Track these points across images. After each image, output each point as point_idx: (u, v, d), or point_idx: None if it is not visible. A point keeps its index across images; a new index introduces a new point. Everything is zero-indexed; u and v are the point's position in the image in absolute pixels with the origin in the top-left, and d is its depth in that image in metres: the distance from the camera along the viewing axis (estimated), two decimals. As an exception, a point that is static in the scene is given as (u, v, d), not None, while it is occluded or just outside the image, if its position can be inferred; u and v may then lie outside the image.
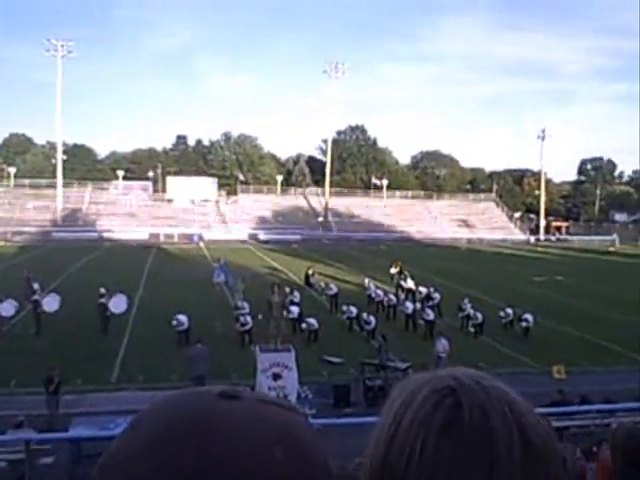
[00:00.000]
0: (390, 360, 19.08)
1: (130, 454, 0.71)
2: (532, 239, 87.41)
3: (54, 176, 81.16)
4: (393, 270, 35.96)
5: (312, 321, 23.05)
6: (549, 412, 11.69)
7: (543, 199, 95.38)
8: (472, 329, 24.71)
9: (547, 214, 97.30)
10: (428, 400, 0.80)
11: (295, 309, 24.52)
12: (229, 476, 0.69)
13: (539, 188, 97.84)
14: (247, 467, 0.70)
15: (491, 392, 0.80)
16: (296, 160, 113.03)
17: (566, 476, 0.84)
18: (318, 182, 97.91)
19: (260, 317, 22.48)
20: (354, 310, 24.70)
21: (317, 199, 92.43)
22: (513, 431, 0.76)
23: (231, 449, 0.71)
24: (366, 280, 31.94)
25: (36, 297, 24.26)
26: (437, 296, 28.02)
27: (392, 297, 28.56)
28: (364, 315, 23.76)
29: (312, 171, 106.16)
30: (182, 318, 22.17)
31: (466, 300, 26.21)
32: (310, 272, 35.65)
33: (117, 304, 24.38)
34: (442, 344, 19.00)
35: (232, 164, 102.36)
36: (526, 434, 0.77)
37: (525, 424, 0.78)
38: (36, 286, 24.94)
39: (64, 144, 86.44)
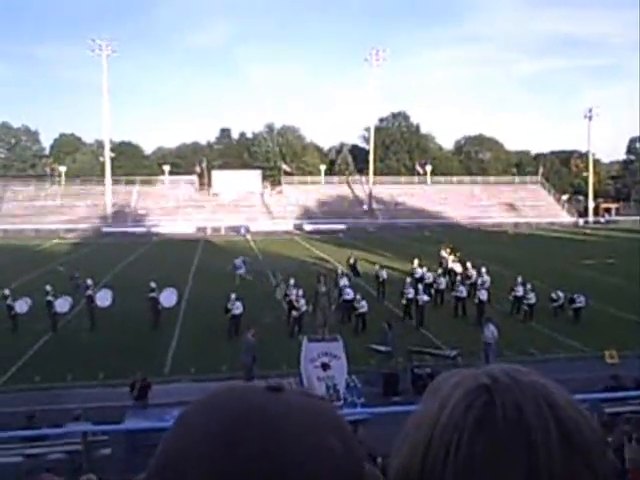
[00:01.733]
0: (394, 347, 18.83)
1: (188, 450, 0.72)
2: (581, 222, 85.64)
3: (103, 174, 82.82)
4: (444, 253, 35.10)
5: (363, 303, 23.63)
6: (603, 397, 11.59)
7: (591, 180, 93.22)
8: (526, 308, 24.47)
9: (596, 195, 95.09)
10: (461, 401, 0.79)
11: (350, 291, 25.06)
12: (294, 463, 0.71)
13: (587, 169, 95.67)
14: (310, 455, 0.72)
15: (527, 387, 0.79)
16: (339, 149, 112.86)
17: (613, 470, 0.80)
18: (362, 170, 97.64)
19: (308, 307, 22.66)
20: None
21: (361, 187, 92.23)
22: (550, 426, 0.75)
23: (291, 438, 0.73)
24: (415, 262, 31.67)
25: (89, 293, 24.88)
26: (487, 279, 27.83)
27: (442, 280, 28.59)
28: (358, 298, 24.19)
29: (355, 160, 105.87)
30: (238, 303, 22.86)
31: (519, 279, 25.87)
32: (352, 261, 35.64)
33: (167, 298, 24.85)
34: (490, 330, 18.86)
35: (275, 155, 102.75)
36: (565, 428, 0.76)
37: (564, 418, 0.76)
38: (89, 282, 25.55)
39: (111, 142, 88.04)
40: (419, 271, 30.03)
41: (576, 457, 0.75)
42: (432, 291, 27.77)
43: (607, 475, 0.77)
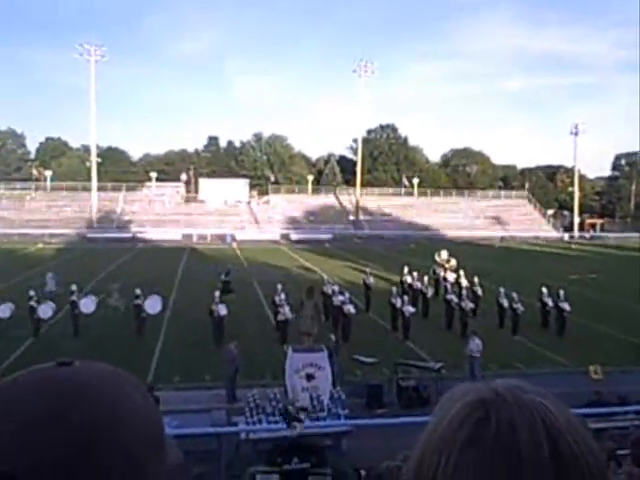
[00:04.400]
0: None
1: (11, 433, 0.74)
2: (566, 236, 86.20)
3: (89, 179, 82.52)
4: (439, 259, 34.65)
5: (350, 307, 23.70)
6: (586, 413, 11.58)
7: (577, 196, 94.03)
8: (511, 320, 24.59)
9: (581, 211, 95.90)
10: (459, 413, 0.79)
11: (340, 297, 25.01)
12: (91, 413, 0.76)
13: (572, 184, 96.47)
14: (108, 404, 0.78)
15: (526, 406, 0.78)
16: (327, 160, 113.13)
17: None
18: (349, 181, 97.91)
19: (294, 316, 22.57)
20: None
21: (348, 198, 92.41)
22: (543, 447, 0.74)
23: (84, 393, 0.78)
24: (405, 269, 31.55)
25: (73, 298, 24.65)
26: (478, 289, 27.90)
27: (430, 290, 28.72)
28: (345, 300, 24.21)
29: (343, 170, 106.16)
30: (222, 305, 22.97)
31: (502, 290, 25.91)
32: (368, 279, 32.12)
33: (152, 305, 24.67)
34: (476, 343, 18.84)
35: (263, 164, 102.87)
36: (559, 451, 0.74)
37: (559, 440, 0.75)
38: (73, 288, 25.32)
39: (98, 147, 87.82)
40: (408, 279, 30.06)
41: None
42: (420, 299, 27.86)
43: None
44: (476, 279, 28.72)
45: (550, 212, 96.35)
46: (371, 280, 30.15)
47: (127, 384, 0.84)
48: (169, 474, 0.82)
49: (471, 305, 25.14)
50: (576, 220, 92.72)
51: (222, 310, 22.87)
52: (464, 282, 29.33)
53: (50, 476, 0.71)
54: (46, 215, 78.87)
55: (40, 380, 0.80)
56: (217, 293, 23.72)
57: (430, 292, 28.57)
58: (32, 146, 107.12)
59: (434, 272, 33.40)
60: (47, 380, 0.80)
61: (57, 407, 0.75)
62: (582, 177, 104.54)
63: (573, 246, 73.25)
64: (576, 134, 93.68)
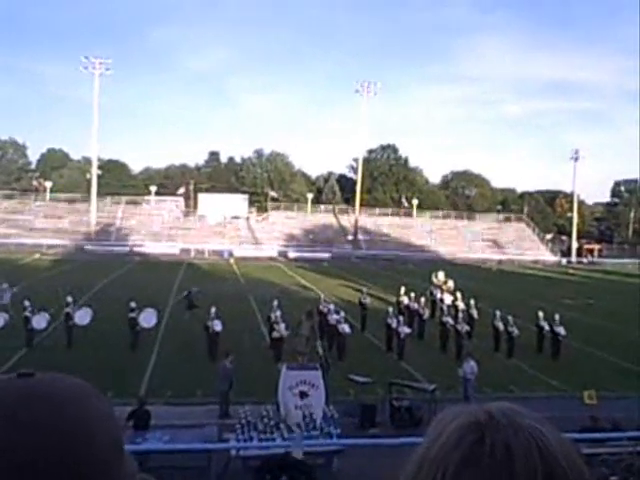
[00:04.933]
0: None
1: None
2: (564, 261, 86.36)
3: (89, 191, 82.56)
4: (436, 280, 34.63)
5: (344, 326, 23.69)
6: (580, 438, 11.51)
7: (575, 221, 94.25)
8: (507, 343, 24.52)
9: (579, 236, 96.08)
10: (453, 435, 0.79)
11: (335, 316, 24.96)
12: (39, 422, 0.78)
13: (571, 210, 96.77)
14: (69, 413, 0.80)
15: (521, 430, 0.77)
16: (327, 178, 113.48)
17: None
18: (348, 200, 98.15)
19: (291, 334, 22.48)
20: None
21: (347, 217, 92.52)
22: (537, 471, 0.74)
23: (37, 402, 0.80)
24: (402, 290, 31.45)
25: (68, 310, 24.57)
26: (474, 312, 27.86)
27: (426, 311, 28.63)
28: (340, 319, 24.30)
29: (342, 189, 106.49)
30: (217, 321, 23.02)
31: (498, 313, 25.85)
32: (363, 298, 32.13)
33: (147, 318, 24.57)
34: (470, 366, 18.77)
35: (263, 181, 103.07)
36: (553, 476, 0.74)
37: (553, 465, 0.75)
38: (69, 299, 25.25)
39: (99, 159, 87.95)
40: (405, 300, 30.02)
41: None
42: (416, 320, 27.79)
43: None
44: (472, 301, 28.68)
45: (548, 236, 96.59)
46: (367, 300, 30.16)
47: (89, 394, 0.87)
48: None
49: (467, 327, 25.09)
50: (574, 245, 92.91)
51: (217, 326, 22.85)
52: (460, 304, 29.30)
53: None
54: (44, 226, 78.84)
55: (1, 390, 0.82)
56: (213, 309, 23.65)
57: (426, 313, 28.51)
58: (33, 157, 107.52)
59: (431, 293, 33.40)
60: (9, 390, 0.82)
61: (21, 416, 0.77)
62: (581, 202, 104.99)
63: (570, 271, 73.29)
64: (576, 159, 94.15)
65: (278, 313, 24.09)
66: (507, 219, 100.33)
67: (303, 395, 15.21)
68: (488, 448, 0.76)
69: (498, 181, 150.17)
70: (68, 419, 0.80)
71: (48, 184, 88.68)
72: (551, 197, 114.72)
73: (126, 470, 0.86)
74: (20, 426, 0.76)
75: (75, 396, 0.84)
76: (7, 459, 0.74)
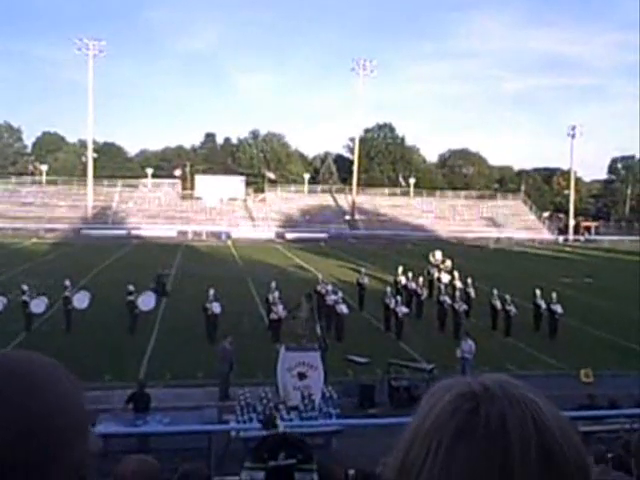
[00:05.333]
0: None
1: None
2: (561, 239, 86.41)
3: (85, 174, 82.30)
4: (433, 259, 34.79)
5: (342, 307, 23.69)
6: (577, 416, 11.60)
7: (572, 198, 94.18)
8: (504, 321, 24.65)
9: (576, 214, 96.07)
10: (448, 405, 0.80)
11: (333, 297, 24.97)
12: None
13: (568, 187, 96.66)
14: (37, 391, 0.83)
15: (516, 401, 0.78)
16: (323, 158, 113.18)
17: None
18: (345, 180, 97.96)
19: (288, 316, 22.51)
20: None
21: (344, 197, 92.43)
22: (531, 442, 0.75)
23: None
24: (400, 269, 31.49)
25: (67, 294, 24.60)
26: (471, 291, 28.02)
27: (424, 291, 28.74)
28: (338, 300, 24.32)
29: (339, 169, 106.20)
30: (215, 304, 23.04)
31: (495, 292, 25.94)
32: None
33: (145, 301, 24.62)
34: (468, 345, 18.88)
35: (260, 162, 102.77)
36: (546, 448, 0.75)
37: (548, 437, 0.76)
38: (67, 283, 25.27)
39: (95, 142, 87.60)
40: (403, 279, 30.09)
41: (553, 477, 0.75)
42: (414, 299, 27.91)
43: None
44: (469, 280, 28.75)
45: (545, 214, 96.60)
46: (365, 280, 30.15)
47: (57, 372, 0.89)
48: (91, 457, 0.90)
49: (464, 307, 25.16)
50: (571, 223, 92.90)
51: (216, 308, 22.88)
52: (458, 284, 29.33)
53: None
54: (41, 210, 78.66)
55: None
56: (212, 291, 23.68)
57: (424, 293, 28.59)
58: (29, 140, 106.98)
59: (428, 273, 33.44)
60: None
61: None
62: (578, 180, 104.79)
63: (568, 249, 73.41)
64: (573, 136, 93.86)
65: (276, 294, 24.14)
66: (504, 197, 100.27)
67: (302, 376, 15.28)
68: (483, 419, 0.76)
69: (495, 159, 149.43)
70: (35, 395, 0.82)
71: (44, 168, 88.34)
72: (548, 175, 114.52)
73: (89, 448, 0.90)
74: None
75: (39, 373, 0.86)
76: None
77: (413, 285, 28.99)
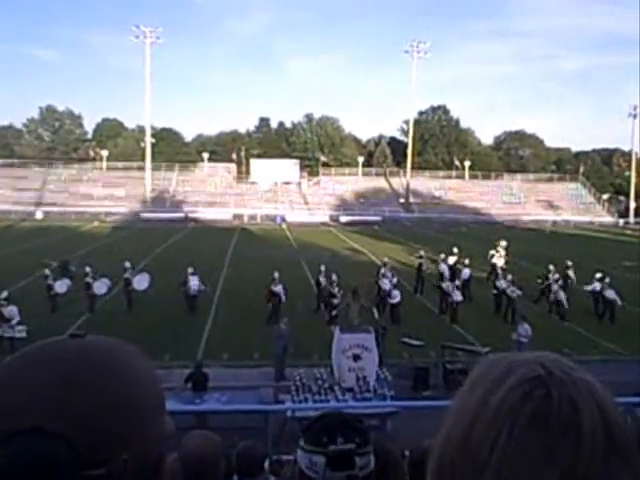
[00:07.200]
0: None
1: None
2: (621, 222, 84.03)
3: (143, 159, 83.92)
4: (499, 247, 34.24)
5: (396, 293, 23.63)
6: (637, 402, 11.43)
7: (633, 180, 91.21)
8: (560, 304, 24.34)
9: (637, 196, 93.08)
10: (518, 388, 0.79)
11: (386, 281, 24.98)
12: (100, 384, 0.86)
13: (629, 168, 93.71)
14: (114, 374, 0.89)
15: (580, 385, 0.79)
16: (377, 141, 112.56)
17: None
18: (399, 163, 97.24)
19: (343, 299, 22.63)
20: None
21: (398, 180, 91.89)
22: (598, 428, 0.76)
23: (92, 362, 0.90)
24: (441, 256, 31.09)
25: (127, 276, 25.29)
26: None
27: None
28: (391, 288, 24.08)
29: (393, 152, 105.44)
30: (280, 286, 23.35)
31: (555, 276, 25.59)
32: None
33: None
34: (524, 328, 18.70)
35: (314, 146, 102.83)
36: (611, 432, 0.76)
37: (611, 422, 0.77)
38: (127, 265, 25.96)
39: (153, 128, 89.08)
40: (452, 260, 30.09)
41: (617, 459, 0.75)
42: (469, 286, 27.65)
43: None
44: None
45: (605, 197, 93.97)
46: (424, 263, 29.93)
47: (134, 355, 0.95)
48: (166, 440, 0.95)
49: (518, 292, 24.77)
50: (632, 205, 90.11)
51: (280, 291, 23.16)
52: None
53: (69, 431, 0.81)
54: (102, 194, 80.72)
55: (57, 349, 0.91)
56: (276, 274, 23.81)
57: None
58: (89, 127, 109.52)
59: (491, 257, 32.99)
60: (63, 348, 0.91)
61: (73, 372, 0.86)
62: (639, 161, 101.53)
63: (628, 232, 71.42)
64: (635, 116, 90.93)
65: (333, 277, 24.29)
66: (562, 179, 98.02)
67: (356, 358, 15.43)
68: (556, 403, 0.77)
69: (552, 140, 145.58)
70: (116, 378, 0.89)
71: (104, 153, 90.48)
72: (608, 156, 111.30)
73: (164, 431, 0.94)
74: (73, 384, 0.85)
75: (117, 356, 0.93)
76: (61, 415, 0.82)
77: (467, 271, 28.47)
